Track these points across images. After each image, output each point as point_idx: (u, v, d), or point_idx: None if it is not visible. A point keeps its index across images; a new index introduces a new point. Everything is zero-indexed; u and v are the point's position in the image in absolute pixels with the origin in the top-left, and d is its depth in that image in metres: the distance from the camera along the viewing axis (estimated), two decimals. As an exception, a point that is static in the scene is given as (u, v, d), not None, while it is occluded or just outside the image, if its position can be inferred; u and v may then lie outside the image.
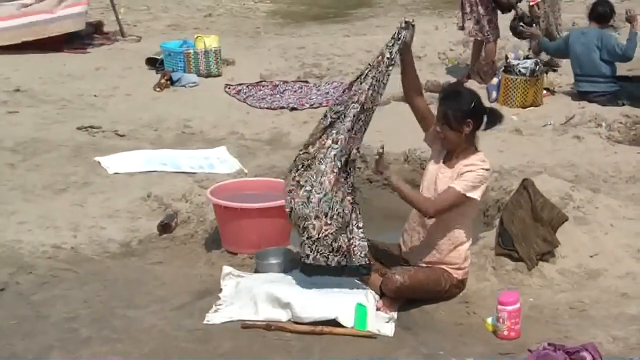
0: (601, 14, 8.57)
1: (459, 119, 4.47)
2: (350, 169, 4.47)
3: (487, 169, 4.52)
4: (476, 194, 4.45)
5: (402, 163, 6.77)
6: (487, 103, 8.27)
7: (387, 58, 4.47)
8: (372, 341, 4.24)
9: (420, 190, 4.68)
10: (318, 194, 4.39)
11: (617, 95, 8.34)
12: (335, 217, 4.39)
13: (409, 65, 4.64)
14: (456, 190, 4.43)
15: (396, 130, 7.01)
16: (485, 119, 4.57)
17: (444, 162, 4.63)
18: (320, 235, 4.39)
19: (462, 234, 4.62)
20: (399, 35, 4.51)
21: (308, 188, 4.42)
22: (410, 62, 4.65)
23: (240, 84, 9.34)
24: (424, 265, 4.65)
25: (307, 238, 4.42)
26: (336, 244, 4.41)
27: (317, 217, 4.39)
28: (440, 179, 4.57)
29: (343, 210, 4.40)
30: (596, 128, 7.76)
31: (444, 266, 4.62)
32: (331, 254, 4.42)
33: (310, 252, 4.43)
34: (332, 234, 4.39)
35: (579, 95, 8.57)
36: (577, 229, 5.14)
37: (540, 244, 4.96)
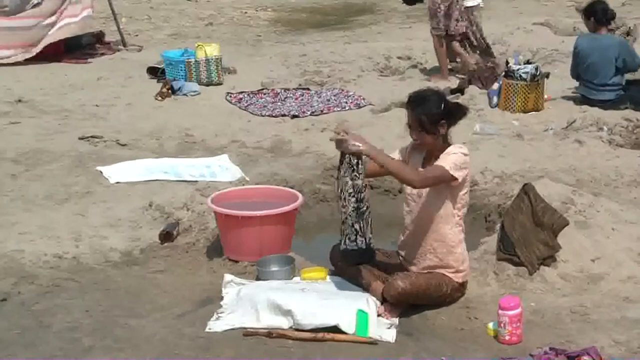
0: (592, 14, 8.37)
1: (433, 122, 4.53)
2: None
3: (466, 154, 4.57)
4: (459, 175, 4.49)
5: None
6: (488, 108, 8.39)
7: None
8: (374, 347, 4.24)
9: (406, 195, 4.75)
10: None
11: (620, 99, 8.31)
12: (347, 197, 4.48)
13: (371, 170, 4.62)
14: (442, 166, 4.48)
15: (398, 136, 7.03)
16: (456, 114, 4.64)
17: (422, 167, 4.66)
18: (342, 217, 4.52)
19: (454, 233, 4.65)
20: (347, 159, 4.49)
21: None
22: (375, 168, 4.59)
23: (242, 92, 9.35)
24: (424, 271, 4.67)
25: (342, 223, 4.55)
26: (358, 226, 4.51)
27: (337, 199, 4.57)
28: None
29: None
30: (597, 132, 7.73)
31: (443, 270, 4.64)
32: (357, 236, 4.52)
33: (341, 235, 4.56)
34: (350, 215, 4.49)
35: (583, 100, 8.49)
36: (579, 233, 5.13)
37: (542, 248, 4.96)
